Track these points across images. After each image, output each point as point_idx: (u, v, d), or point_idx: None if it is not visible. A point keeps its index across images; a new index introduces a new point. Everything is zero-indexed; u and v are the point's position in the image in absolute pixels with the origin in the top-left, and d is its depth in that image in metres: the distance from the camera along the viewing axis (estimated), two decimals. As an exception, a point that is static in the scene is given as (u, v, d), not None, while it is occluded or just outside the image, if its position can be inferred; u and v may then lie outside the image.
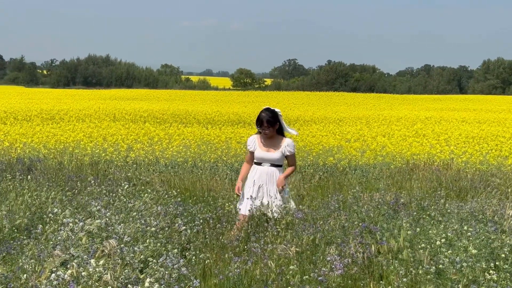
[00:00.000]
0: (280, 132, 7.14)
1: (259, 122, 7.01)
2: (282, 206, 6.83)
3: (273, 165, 7.04)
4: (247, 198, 6.94)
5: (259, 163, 7.10)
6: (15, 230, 6.14)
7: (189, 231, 6.47)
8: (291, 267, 5.22)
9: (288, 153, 7.06)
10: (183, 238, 6.26)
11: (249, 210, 6.80)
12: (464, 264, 5.20)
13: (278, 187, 6.95)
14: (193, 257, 5.72)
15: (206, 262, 5.66)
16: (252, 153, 7.16)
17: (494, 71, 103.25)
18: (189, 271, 5.17)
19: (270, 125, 6.97)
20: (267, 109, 7.07)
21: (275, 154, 7.03)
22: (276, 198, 6.92)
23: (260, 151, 7.07)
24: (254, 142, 7.15)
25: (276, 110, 7.07)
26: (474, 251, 5.47)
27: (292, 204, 7.09)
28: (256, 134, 7.24)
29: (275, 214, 6.72)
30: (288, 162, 7.20)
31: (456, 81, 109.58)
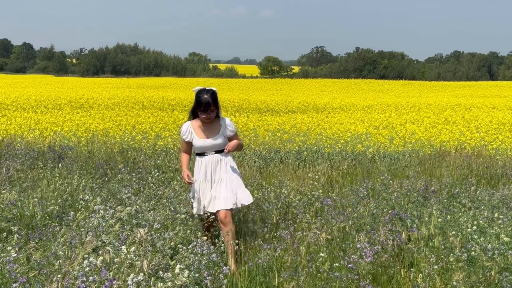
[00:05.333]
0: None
1: (204, 106, 5.92)
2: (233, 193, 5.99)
3: (217, 151, 6.09)
4: (198, 198, 6.13)
5: (201, 154, 6.16)
6: (47, 217, 6.22)
7: (218, 218, 6.48)
8: (321, 254, 5.21)
9: (231, 133, 6.12)
10: (212, 225, 6.28)
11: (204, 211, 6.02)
12: (496, 251, 5.16)
13: (226, 149, 5.98)
14: (223, 244, 5.74)
15: (236, 249, 5.68)
16: (189, 143, 6.20)
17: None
18: (219, 258, 5.20)
19: (215, 107, 5.99)
20: (207, 90, 6.01)
21: (217, 140, 6.06)
22: (227, 185, 6.03)
23: (200, 140, 6.09)
24: (189, 131, 6.15)
25: (214, 89, 6.08)
26: (506, 239, 5.43)
27: (244, 195, 6.09)
28: (188, 121, 6.22)
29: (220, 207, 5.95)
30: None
31: (487, 68, 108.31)
